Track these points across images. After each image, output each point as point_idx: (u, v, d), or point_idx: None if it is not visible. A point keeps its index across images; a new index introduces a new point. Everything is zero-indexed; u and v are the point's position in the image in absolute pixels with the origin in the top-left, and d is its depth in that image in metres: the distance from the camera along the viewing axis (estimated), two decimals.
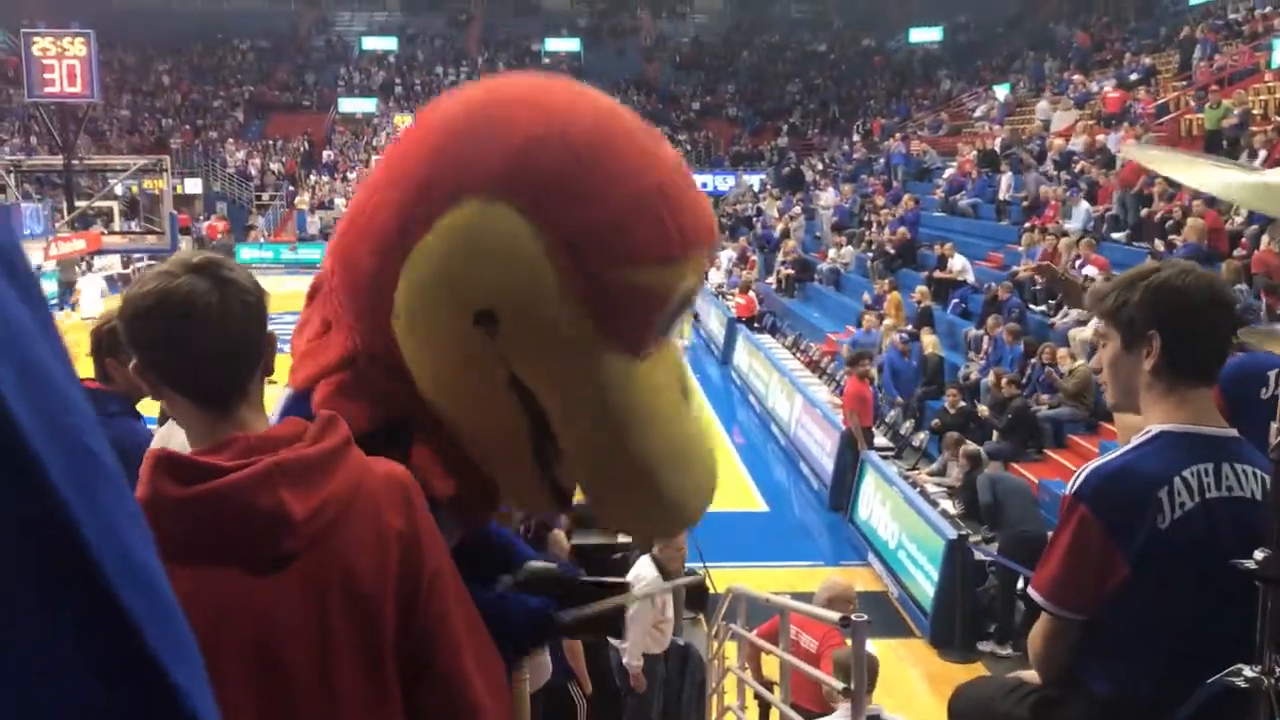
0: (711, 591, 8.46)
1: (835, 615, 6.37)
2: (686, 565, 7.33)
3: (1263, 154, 14.22)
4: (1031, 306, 14.20)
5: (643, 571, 6.59)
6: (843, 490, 11.91)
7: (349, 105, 41.06)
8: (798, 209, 27.65)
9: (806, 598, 6.81)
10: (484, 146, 1.53)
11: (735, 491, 13.09)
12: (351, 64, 45.01)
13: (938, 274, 17.14)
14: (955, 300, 16.30)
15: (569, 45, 45.41)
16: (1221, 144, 15.87)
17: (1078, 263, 13.75)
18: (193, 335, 1.34)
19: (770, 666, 6.71)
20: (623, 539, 8.33)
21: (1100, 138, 18.79)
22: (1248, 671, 1.76)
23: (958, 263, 17.12)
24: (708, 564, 8.82)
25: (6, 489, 0.48)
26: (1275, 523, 1.76)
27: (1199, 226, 12.34)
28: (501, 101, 1.61)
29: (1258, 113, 16.76)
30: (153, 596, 0.54)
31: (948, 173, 23.26)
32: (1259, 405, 2.31)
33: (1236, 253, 11.90)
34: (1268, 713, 1.75)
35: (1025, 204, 18.18)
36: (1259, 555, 1.76)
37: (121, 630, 0.51)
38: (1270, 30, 21.04)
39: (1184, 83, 21.10)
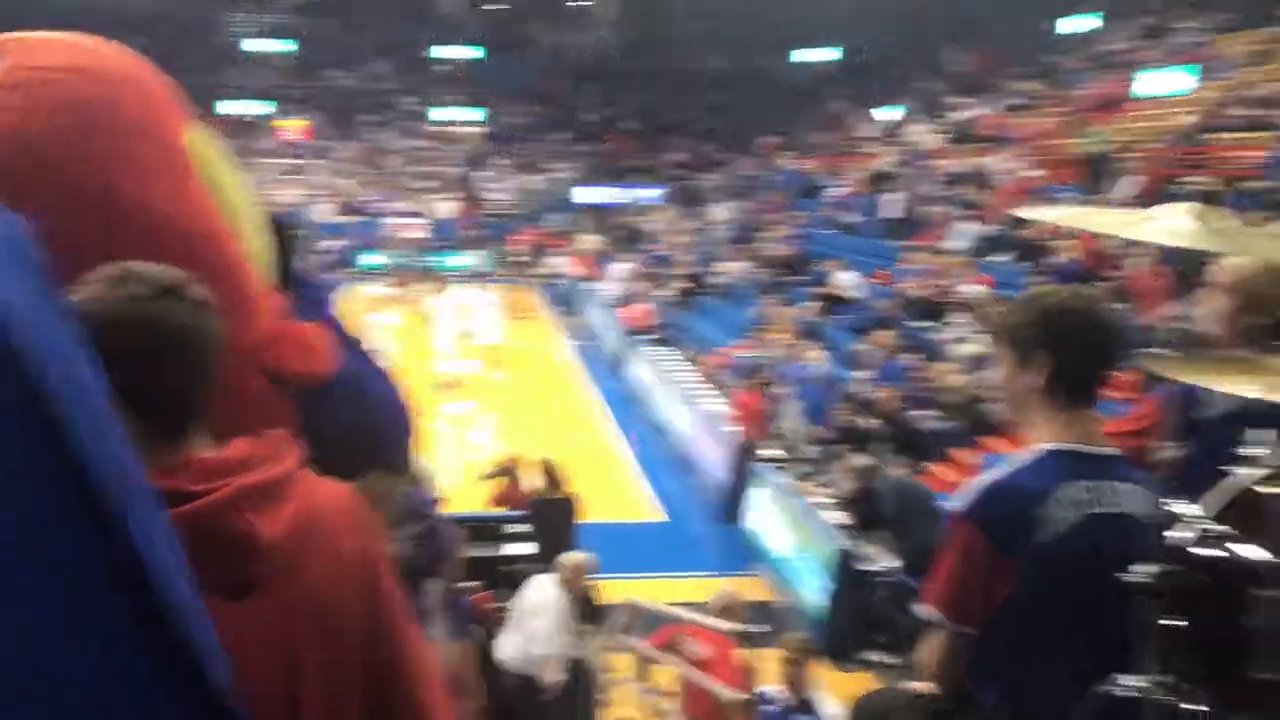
0: (606, 603, 8.48)
1: (727, 625, 6.48)
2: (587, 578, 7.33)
3: (1134, 180, 14.86)
4: (917, 322, 14.58)
5: (542, 592, 6.56)
6: (736, 501, 12.05)
7: (234, 107, 39.97)
8: (693, 223, 27.90)
9: (702, 608, 6.89)
10: (152, 90, 1.77)
11: (632, 502, 13.15)
12: (240, 66, 43.95)
13: (827, 290, 17.47)
14: (843, 315, 16.61)
15: (466, 53, 45.07)
16: (1096, 170, 16.53)
17: (961, 282, 14.19)
18: (166, 364, 1.31)
19: (665, 677, 6.77)
20: (517, 551, 8.32)
21: (982, 160, 19.41)
22: (1132, 682, 1.86)
23: (846, 279, 17.47)
24: (605, 575, 8.85)
25: (91, 533, 0.52)
26: (1160, 540, 1.87)
27: (1075, 247, 12.83)
28: (101, 51, 1.84)
29: (1130, 139, 17.51)
30: (205, 628, 0.57)
31: (837, 191, 23.73)
32: (1207, 426, 2.42)
33: (1113, 273, 12.37)
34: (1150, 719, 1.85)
35: (908, 218, 18.71)
36: (1149, 569, 1.86)
37: (191, 664, 0.56)
38: (1140, 62, 22.02)
39: (1061, 109, 21.93)
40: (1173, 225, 1.99)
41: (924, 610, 2.14)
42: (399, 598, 1.42)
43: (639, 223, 32.84)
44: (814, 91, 40.96)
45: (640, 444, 15.71)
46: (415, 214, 35.05)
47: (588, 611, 8.28)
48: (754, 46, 45.86)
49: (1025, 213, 13.36)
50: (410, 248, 31.04)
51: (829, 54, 42.52)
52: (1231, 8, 22.42)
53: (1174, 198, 12.74)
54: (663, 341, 20.39)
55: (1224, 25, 21.58)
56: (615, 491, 13.23)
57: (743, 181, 31.56)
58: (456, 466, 11.83)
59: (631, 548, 11.12)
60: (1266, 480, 1.93)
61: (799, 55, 43.81)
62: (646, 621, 6.93)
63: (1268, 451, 1.97)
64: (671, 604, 7.53)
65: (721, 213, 27.77)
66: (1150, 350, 2.23)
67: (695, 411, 14.81)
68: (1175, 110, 18.32)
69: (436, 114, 41.73)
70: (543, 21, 48.82)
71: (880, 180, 22.20)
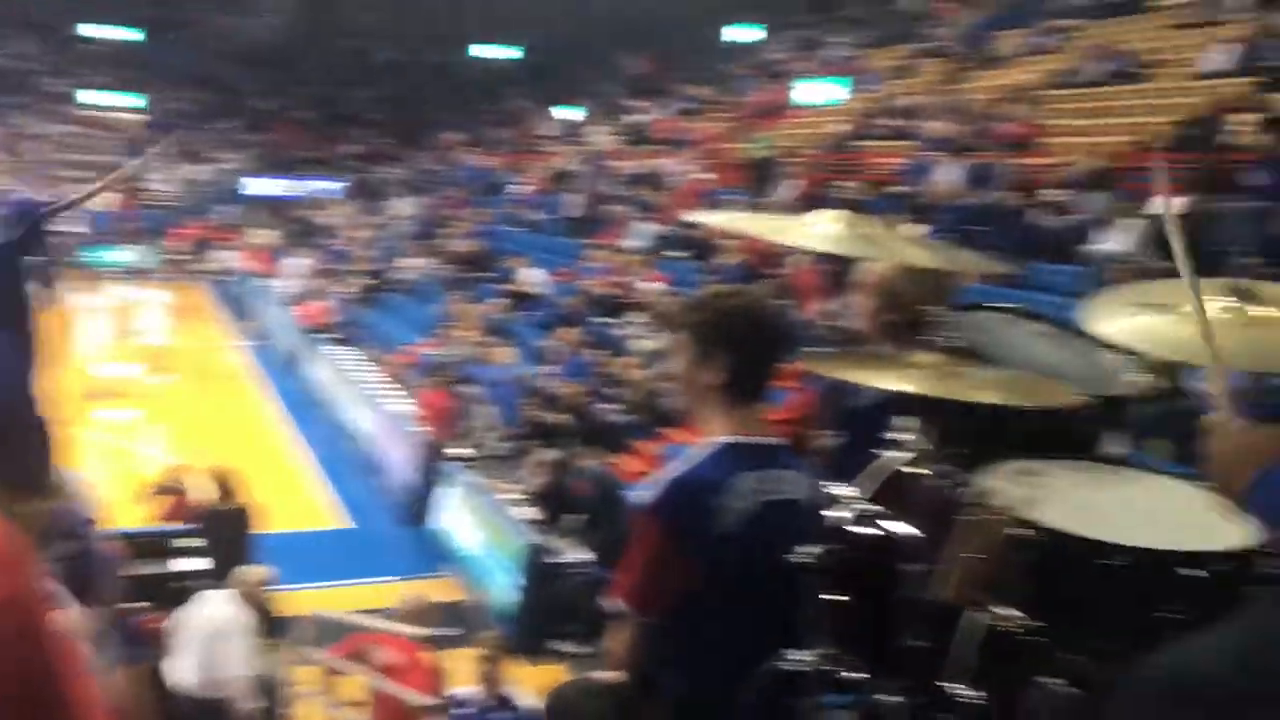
0: (288, 616, 8.17)
1: (416, 630, 6.40)
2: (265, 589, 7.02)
3: (795, 183, 15.90)
4: (601, 319, 14.94)
5: (218, 610, 6.21)
6: (424, 502, 11.92)
7: None
8: (373, 218, 27.33)
9: (390, 614, 6.77)
10: None
11: (314, 509, 12.71)
12: None
13: (512, 287, 17.60)
14: (530, 312, 16.79)
15: (126, 34, 41.77)
16: (762, 173, 17.54)
17: (640, 279, 14.69)
18: None
19: (352, 688, 6.59)
20: (188, 566, 7.83)
21: (659, 162, 20.18)
22: (795, 656, 2.00)
23: (531, 275, 17.67)
24: (287, 586, 8.52)
25: None
26: (822, 522, 2.02)
27: (743, 246, 13.57)
28: None
29: (791, 145, 18.70)
30: None
31: (520, 188, 23.95)
32: (858, 415, 2.60)
33: (776, 271, 13.17)
34: (812, 689, 1.99)
35: (589, 216, 19.19)
36: (813, 549, 2.00)
37: None
38: (798, 72, 23.60)
39: (730, 114, 23.11)
40: (825, 231, 2.14)
41: (612, 603, 2.21)
42: (56, 633, 1.31)
43: (316, 216, 31.75)
44: (494, 88, 41.09)
45: (321, 447, 15.20)
46: None
47: (269, 626, 7.94)
48: (432, 39, 45.36)
49: (695, 217, 14.03)
50: (61, 243, 28.48)
51: (508, 51, 42.73)
52: (877, 25, 24.45)
53: (829, 201, 13.78)
54: (343, 340, 19.86)
55: (871, 41, 23.49)
56: (295, 498, 12.75)
57: (424, 176, 31.18)
58: (118, 478, 10.99)
59: (314, 556, 10.76)
60: (912, 462, 2.13)
61: (478, 51, 43.71)
62: (331, 632, 6.72)
63: (913, 436, 2.17)
64: (358, 612, 7.35)
65: (403, 207, 27.35)
66: (809, 347, 2.42)
67: (380, 412, 14.52)
68: (829, 119, 19.76)
69: (87, 98, 38.47)
70: (206, 3, 46.11)
71: (561, 179, 22.60)
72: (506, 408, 13.50)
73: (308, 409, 17.31)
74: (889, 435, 2.29)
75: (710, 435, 2.28)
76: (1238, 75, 12.39)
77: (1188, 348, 2.05)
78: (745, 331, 2.24)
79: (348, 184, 34.57)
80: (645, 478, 2.27)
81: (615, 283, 15.21)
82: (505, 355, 14.51)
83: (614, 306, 14.87)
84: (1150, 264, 9.40)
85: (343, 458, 14.86)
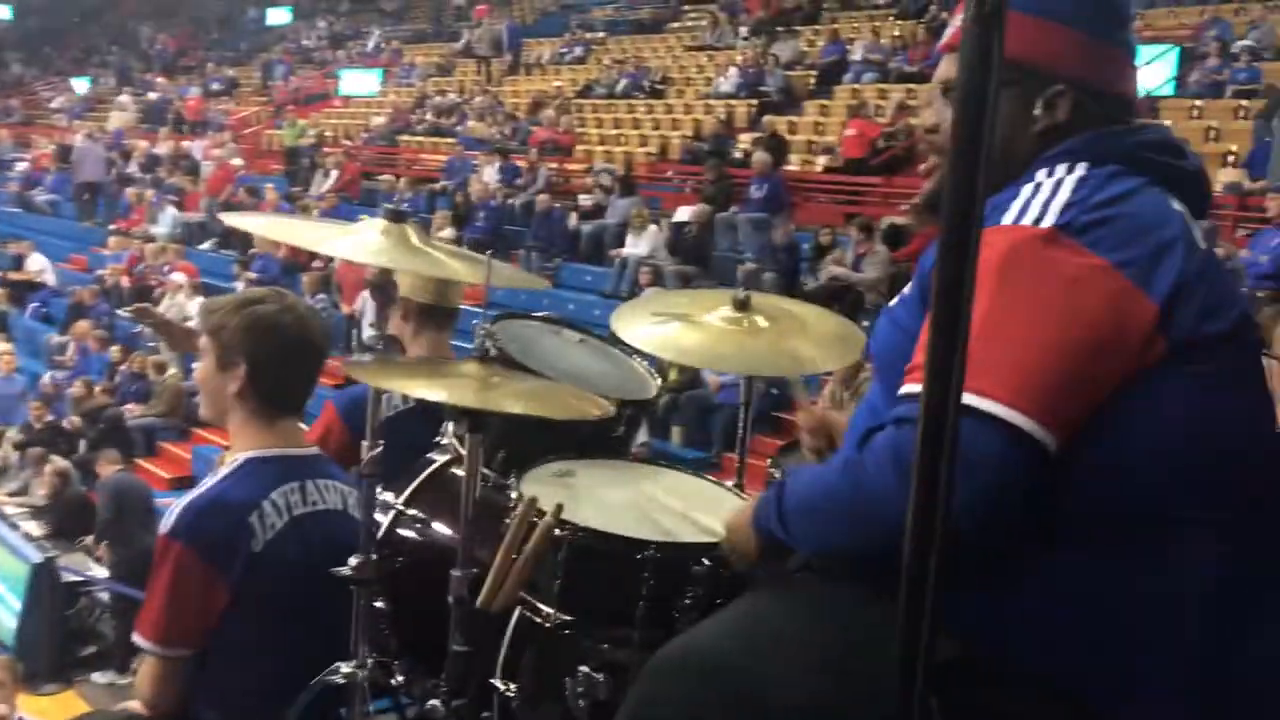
0: None
1: None
2: None
3: (335, 174, 15.58)
4: (120, 312, 13.80)
5: None
6: None
7: None
8: None
9: None
10: None
11: None
12: None
13: (13, 275, 15.82)
14: (35, 304, 15.20)
15: None
16: (299, 161, 17.02)
17: (166, 269, 13.72)
18: None
19: None
20: None
21: (185, 144, 18.93)
22: (345, 668, 1.99)
23: (36, 263, 15.95)
24: None
25: None
26: (365, 531, 2.02)
27: (270, 241, 13.08)
28: None
29: (330, 135, 18.31)
30: None
31: (22, 165, 21.46)
32: (390, 421, 2.56)
33: (316, 264, 12.83)
34: (362, 700, 1.99)
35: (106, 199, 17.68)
36: (353, 561, 1.99)
37: None
38: (336, 61, 23.15)
39: (264, 99, 22.17)
40: (366, 241, 2.12)
41: (140, 643, 2.06)
42: None
43: None
44: None
45: None
46: None
47: None
48: None
49: (233, 221, 13.38)
50: None
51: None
52: (414, 21, 24.52)
53: (368, 194, 13.60)
54: None
55: (409, 36, 23.50)
56: None
57: None
58: None
59: None
60: (451, 463, 2.20)
61: None
62: None
63: (455, 440, 2.23)
64: None
65: None
66: (350, 349, 2.40)
67: None
68: (368, 110, 19.56)
69: None
70: None
71: (72, 156, 20.54)
72: (6, 412, 12.14)
73: None
74: (432, 439, 2.34)
75: (239, 447, 2.19)
76: (742, 97, 13.80)
77: (702, 355, 2.28)
78: (272, 342, 2.14)
79: None
80: (174, 487, 2.14)
81: (137, 272, 14.09)
82: (7, 353, 12.99)
83: (137, 297, 13.76)
84: (668, 267, 10.27)
85: None
